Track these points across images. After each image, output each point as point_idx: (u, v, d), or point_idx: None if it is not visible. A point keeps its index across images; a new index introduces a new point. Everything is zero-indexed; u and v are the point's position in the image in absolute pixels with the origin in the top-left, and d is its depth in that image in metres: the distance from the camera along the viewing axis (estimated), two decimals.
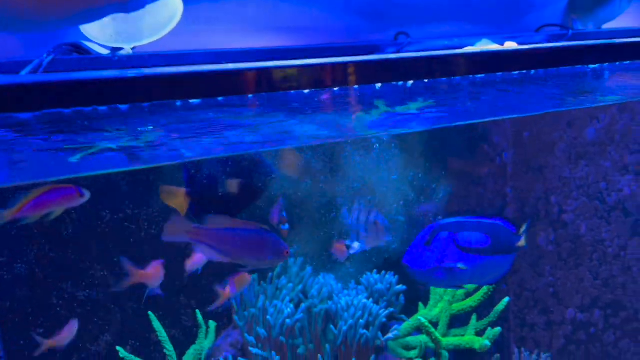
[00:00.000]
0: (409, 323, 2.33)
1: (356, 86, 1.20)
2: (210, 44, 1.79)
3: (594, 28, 2.40)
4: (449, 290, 2.27)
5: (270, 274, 2.30)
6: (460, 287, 1.87)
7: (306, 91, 1.13)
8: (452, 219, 1.77)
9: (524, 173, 2.36)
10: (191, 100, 1.02)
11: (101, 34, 1.38)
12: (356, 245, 1.87)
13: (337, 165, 2.54)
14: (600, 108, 2.40)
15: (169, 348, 2.29)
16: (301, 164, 2.45)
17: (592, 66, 1.83)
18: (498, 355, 2.28)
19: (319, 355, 2.02)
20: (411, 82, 1.43)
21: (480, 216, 1.76)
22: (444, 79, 1.36)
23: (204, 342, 2.36)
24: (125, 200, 2.38)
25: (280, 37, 2.00)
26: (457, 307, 2.26)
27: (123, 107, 0.91)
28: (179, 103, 1.03)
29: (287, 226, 2.44)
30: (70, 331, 2.04)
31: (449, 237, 1.70)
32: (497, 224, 1.75)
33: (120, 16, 1.34)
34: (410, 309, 2.38)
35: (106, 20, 1.36)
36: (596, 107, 2.40)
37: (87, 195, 1.82)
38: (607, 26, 2.36)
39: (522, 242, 1.76)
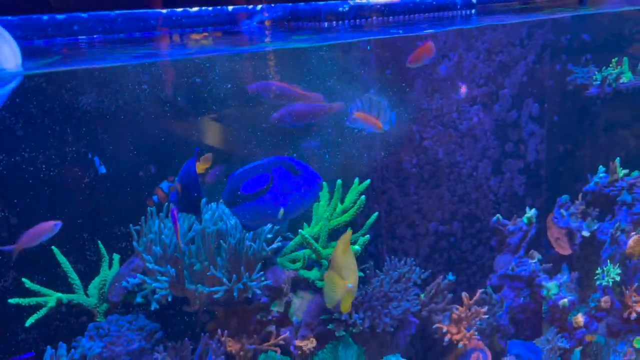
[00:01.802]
0: (294, 240, 2.65)
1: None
2: None
3: None
4: (328, 208, 2.60)
5: (166, 205, 2.53)
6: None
7: None
8: (245, 167, 2.00)
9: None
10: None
11: None
12: None
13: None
14: (451, 47, 2.79)
15: (73, 277, 2.47)
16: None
17: None
18: (372, 262, 2.66)
19: (211, 267, 2.29)
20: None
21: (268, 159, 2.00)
22: None
23: (107, 271, 2.56)
24: (22, 144, 2.49)
25: None
26: (335, 222, 2.60)
27: None
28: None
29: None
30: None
31: (236, 188, 1.98)
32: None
33: None
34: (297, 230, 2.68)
35: None
36: (447, 47, 2.78)
37: None
38: None
39: None
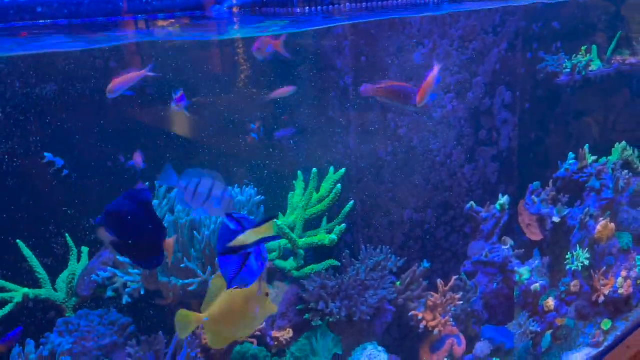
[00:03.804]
0: None
1: None
2: None
3: None
4: (304, 197, 2.57)
5: None
6: None
7: None
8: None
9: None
10: None
11: None
12: None
13: None
14: (425, 34, 2.77)
15: (40, 271, 2.38)
16: None
17: None
18: (348, 251, 2.64)
19: (185, 259, 2.23)
20: None
21: None
22: None
23: (76, 265, 2.48)
24: None
25: None
26: (311, 211, 2.57)
27: None
28: None
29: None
30: None
31: None
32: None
33: None
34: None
35: None
36: (422, 34, 2.77)
37: None
38: None
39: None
